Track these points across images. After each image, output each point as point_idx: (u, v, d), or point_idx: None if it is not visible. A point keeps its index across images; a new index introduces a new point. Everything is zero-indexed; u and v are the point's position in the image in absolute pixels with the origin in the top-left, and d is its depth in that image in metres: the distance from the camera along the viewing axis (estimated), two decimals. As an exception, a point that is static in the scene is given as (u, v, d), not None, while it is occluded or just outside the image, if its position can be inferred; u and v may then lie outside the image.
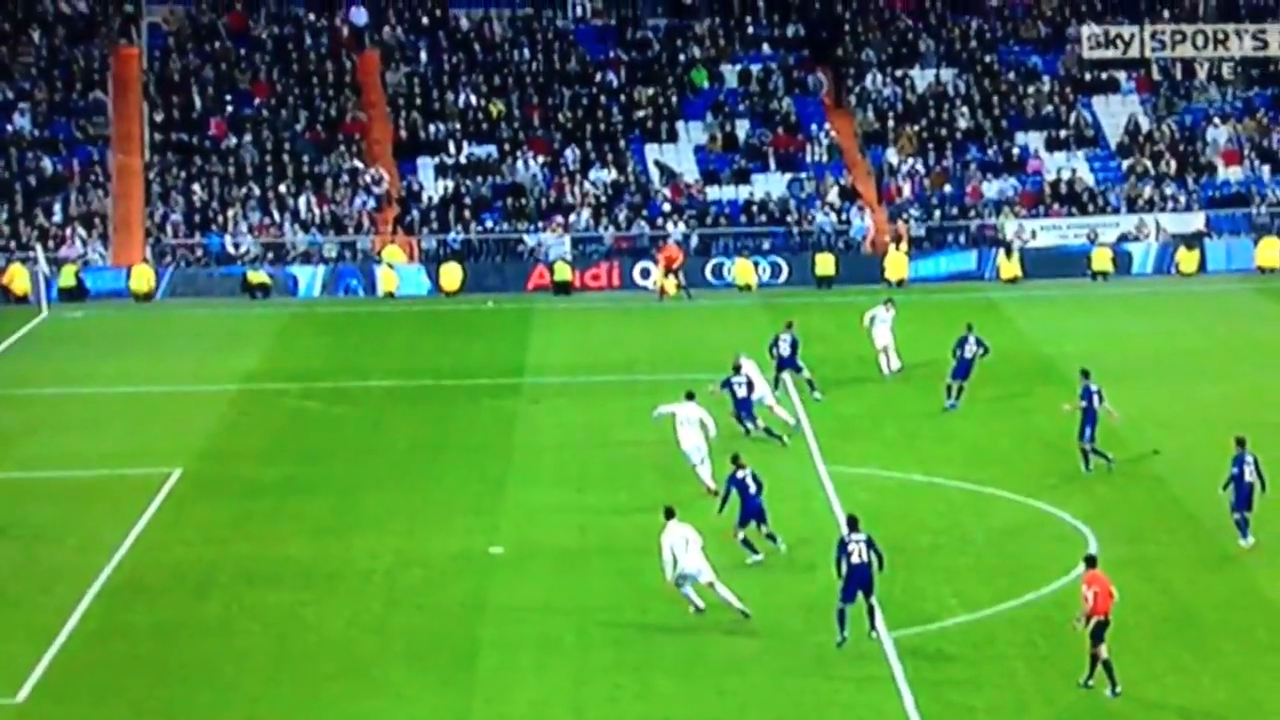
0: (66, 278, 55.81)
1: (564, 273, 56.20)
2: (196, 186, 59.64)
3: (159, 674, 24.57)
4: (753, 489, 28.59)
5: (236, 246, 58.15)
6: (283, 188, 59.79)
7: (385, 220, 59.41)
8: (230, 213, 58.88)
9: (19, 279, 55.54)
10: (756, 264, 56.73)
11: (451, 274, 56.28)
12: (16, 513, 32.39)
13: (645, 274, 56.69)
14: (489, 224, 58.91)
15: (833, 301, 53.11)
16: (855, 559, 25.02)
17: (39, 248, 55.54)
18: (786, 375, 39.60)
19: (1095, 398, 33.38)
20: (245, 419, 39.89)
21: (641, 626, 26.06)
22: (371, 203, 59.79)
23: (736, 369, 36.33)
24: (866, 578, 25.02)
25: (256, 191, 59.63)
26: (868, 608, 25.15)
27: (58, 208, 59.09)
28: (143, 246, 57.76)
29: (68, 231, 58.18)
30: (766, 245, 57.98)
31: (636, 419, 37.32)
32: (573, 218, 58.98)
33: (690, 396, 33.06)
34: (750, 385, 36.03)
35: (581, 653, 25.11)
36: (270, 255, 57.89)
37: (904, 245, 56.95)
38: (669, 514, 26.27)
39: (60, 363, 46.65)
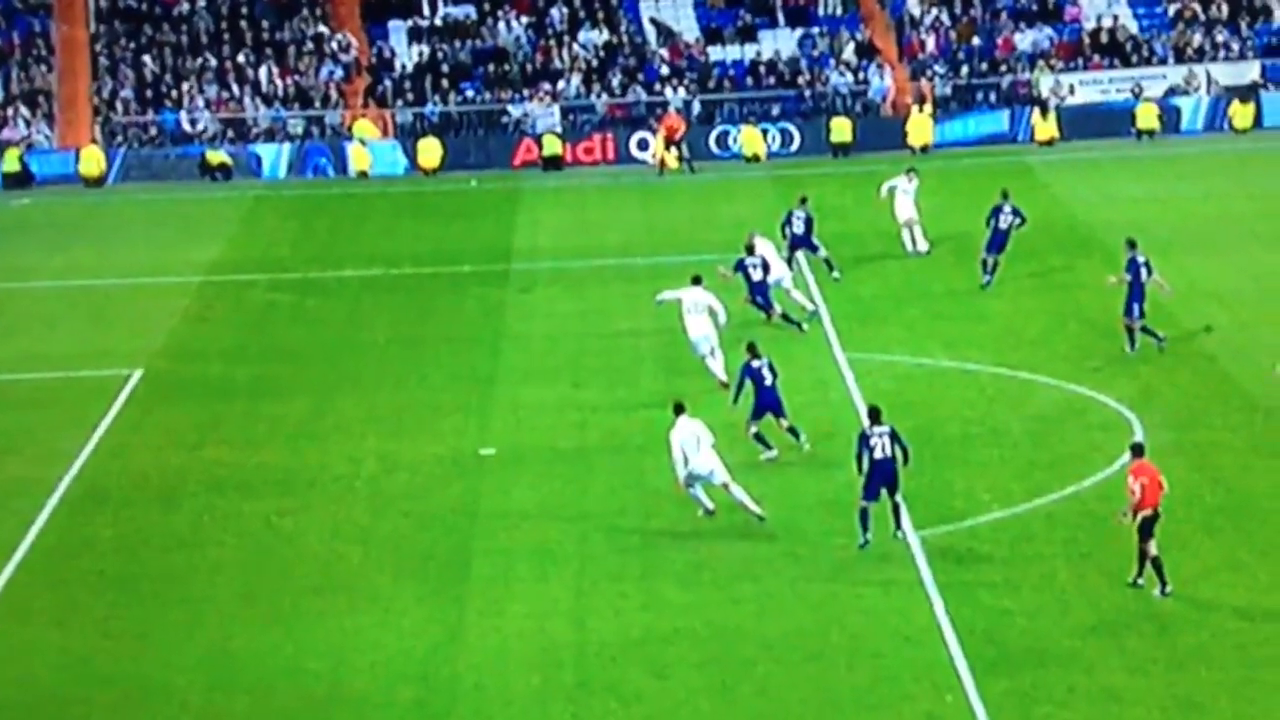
0: (9, 162, 55.79)
1: (553, 146, 56.05)
2: (147, 58, 59.33)
3: (126, 590, 24.87)
4: (768, 379, 28.73)
5: (193, 124, 57.96)
6: (241, 58, 59.48)
7: (355, 92, 59.17)
8: (185, 87, 58.63)
9: (-44, 165, 55.46)
10: (765, 132, 56.58)
11: (430, 150, 56.14)
12: (-36, 421, 32.58)
13: (643, 145, 56.55)
14: (469, 94, 58.66)
15: (850, 171, 53.01)
16: (878, 454, 25.17)
17: (-24, 129, 55.41)
18: (801, 255, 39.60)
19: (1143, 270, 33.35)
20: (210, 314, 40.02)
21: (646, 531, 26.31)
22: (339, 72, 59.50)
23: (750, 249, 36.25)
24: (890, 474, 25.22)
25: (213, 62, 59.33)
26: (892, 506, 25.37)
27: (-3, 85, 58.85)
28: (91, 126, 57.64)
29: (9, 112, 58.00)
30: (776, 111, 57.80)
31: (636, 307, 37.41)
32: (561, 85, 58.71)
33: (697, 280, 33.09)
34: (766, 266, 35.95)
35: (582, 561, 25.37)
36: (230, 133, 57.73)
37: (928, 106, 56.75)
38: (678, 409, 26.42)
39: (5, 255, 46.70)
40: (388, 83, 58.88)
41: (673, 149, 54.88)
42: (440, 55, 59.47)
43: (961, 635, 22.43)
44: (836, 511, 26.44)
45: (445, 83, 58.68)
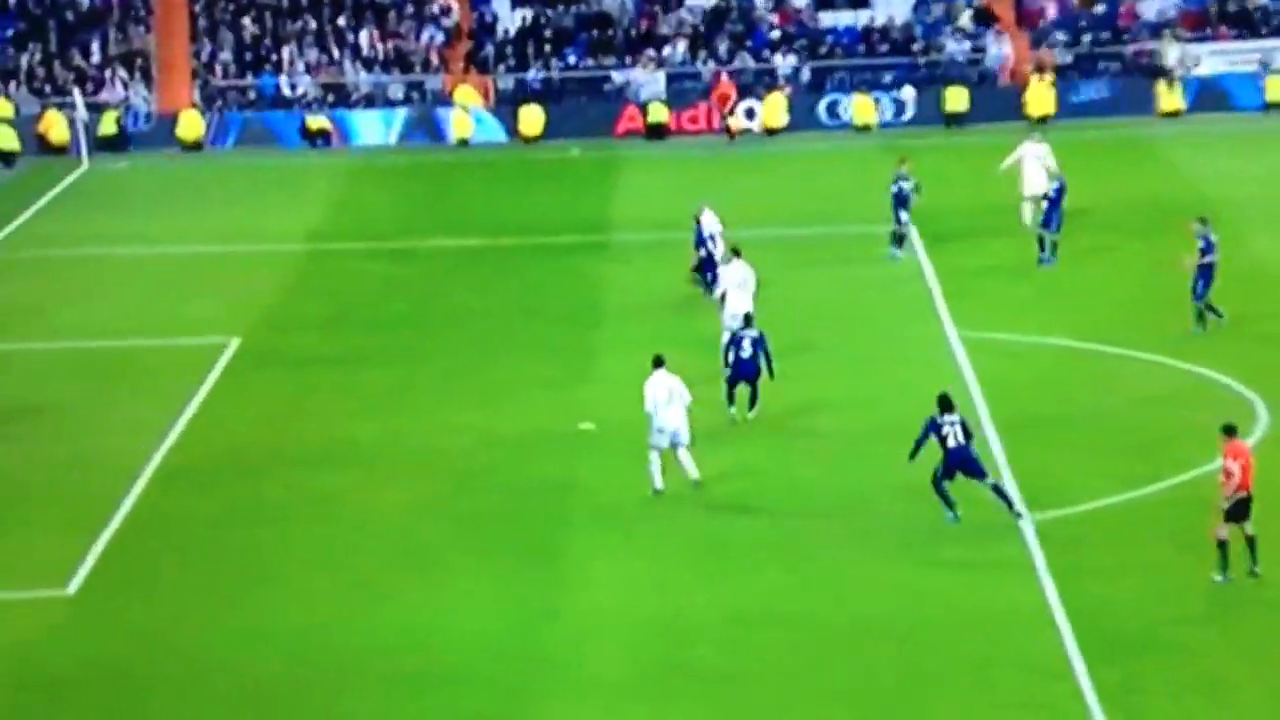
0: (106, 125, 56.43)
1: (658, 114, 56.00)
2: (247, 20, 59.85)
3: (210, 565, 25.20)
4: (748, 352, 29.23)
5: (293, 88, 58.44)
6: (342, 21, 59.86)
7: (456, 57, 59.37)
8: (285, 50, 59.10)
9: (56, 127, 56.23)
10: (877, 100, 56.22)
11: (531, 117, 56.26)
12: (56, 390, 33.09)
13: (750, 114, 56.41)
14: (572, 60, 58.72)
15: (964, 142, 52.60)
16: (951, 443, 25.21)
17: (76, 92, 56.09)
18: (911, 225, 39.55)
19: (1214, 249, 33.09)
20: (305, 283, 40.40)
21: (737, 509, 26.31)
22: (440, 37, 59.73)
23: (698, 220, 36.76)
24: (967, 461, 25.16)
25: (313, 25, 59.76)
26: (993, 488, 25.28)
27: (96, 47, 59.59)
28: (190, 89, 58.18)
29: (107, 73, 58.68)
30: (888, 78, 57.39)
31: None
32: (667, 51, 58.60)
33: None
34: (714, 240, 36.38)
35: (672, 539, 25.44)
36: (330, 98, 58.14)
37: (1048, 75, 56.13)
38: (657, 362, 26.83)
39: (101, 220, 47.36)
40: (489, 48, 59.06)
41: (728, 117, 54.88)
42: (543, 20, 59.57)
43: (1072, 621, 22.31)
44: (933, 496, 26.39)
45: (548, 48, 58.78)
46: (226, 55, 59.10)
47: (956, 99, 55.84)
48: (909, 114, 56.33)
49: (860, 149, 52.72)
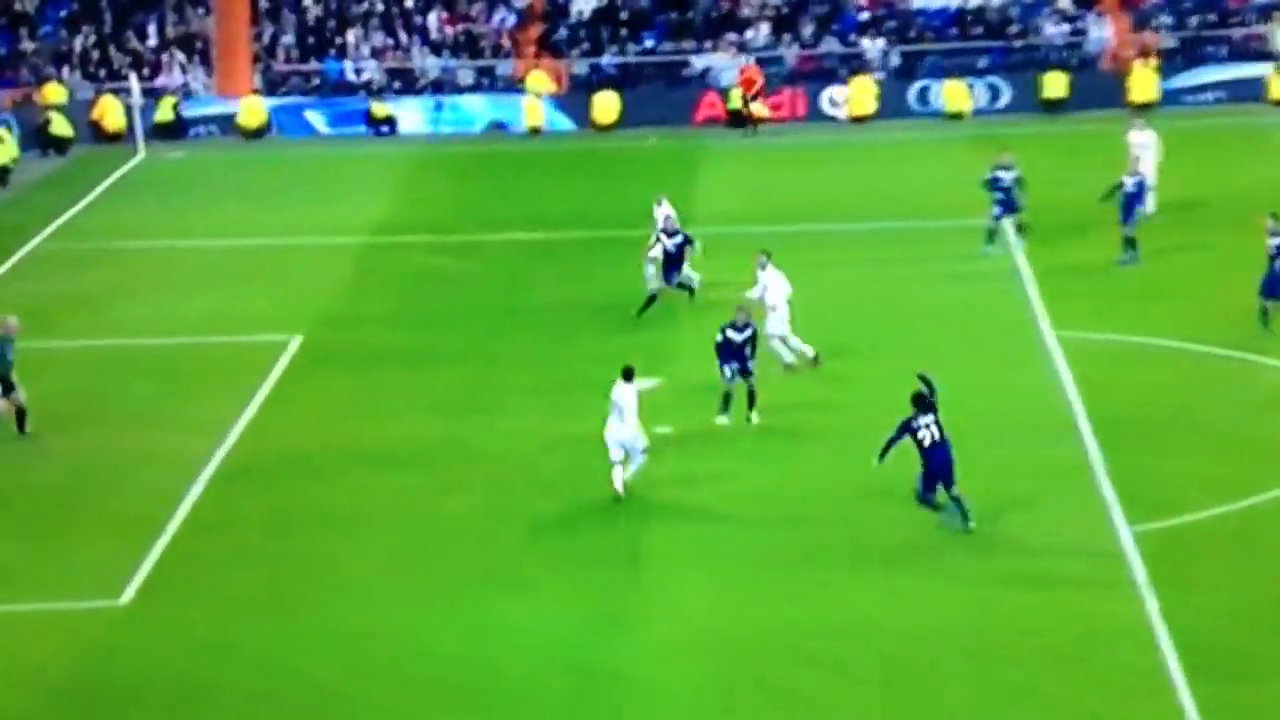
0: (163, 111, 56.96)
1: (739, 101, 55.99)
2: (310, 2, 60.24)
3: (271, 570, 25.38)
4: (737, 339, 29.63)
5: (358, 73, 58.80)
6: (409, 2, 60.17)
7: (528, 40, 59.56)
8: (350, 34, 59.46)
9: (110, 114, 56.81)
10: (971, 86, 56.01)
11: (606, 105, 56.38)
12: (110, 389, 33.41)
13: (834, 102, 56.31)
14: (649, 44, 58.76)
15: (1063, 131, 52.32)
16: (928, 441, 25.22)
17: (132, 77, 56.62)
18: (1012, 219, 39.44)
19: None
20: (370, 278, 40.64)
21: (814, 519, 26.26)
22: (512, 19, 59.95)
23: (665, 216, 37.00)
24: (947, 462, 25.14)
25: (379, 8, 60.09)
26: (953, 499, 25.29)
27: (152, 29, 60.16)
28: (250, 74, 58.61)
29: (164, 57, 59.22)
30: (983, 63, 57.15)
31: (820, 278, 37.34)
32: (749, 34, 58.57)
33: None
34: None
35: (746, 549, 25.45)
36: (396, 84, 58.45)
37: (1152, 60, 55.74)
38: (627, 375, 27.20)
39: (158, 212, 47.81)
40: (563, 31, 59.22)
41: (751, 103, 54.75)
42: (619, 1, 59.66)
43: (1174, 637, 22.17)
44: (1040, 507, 26.22)
45: (624, 31, 58.86)
46: (289, 38, 59.52)
47: (1055, 85, 55.56)
48: (1004, 101, 56.08)
49: (952, 138, 52.52)
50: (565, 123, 56.72)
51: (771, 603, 23.74)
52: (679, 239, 36.62)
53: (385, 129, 56.67)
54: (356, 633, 23.36)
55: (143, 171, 53.15)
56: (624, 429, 27.00)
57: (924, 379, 26.08)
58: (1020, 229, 39.92)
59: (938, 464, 25.36)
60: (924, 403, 25.60)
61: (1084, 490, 26.82)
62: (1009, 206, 39.43)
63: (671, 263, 36.39)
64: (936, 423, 25.44)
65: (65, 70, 59.19)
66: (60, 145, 55.42)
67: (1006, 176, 39.43)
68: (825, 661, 22.11)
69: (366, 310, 38.03)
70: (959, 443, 27.83)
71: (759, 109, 55.23)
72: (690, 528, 26.28)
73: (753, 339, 30.06)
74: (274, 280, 40.34)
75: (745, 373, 29.91)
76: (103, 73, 58.92)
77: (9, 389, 29.75)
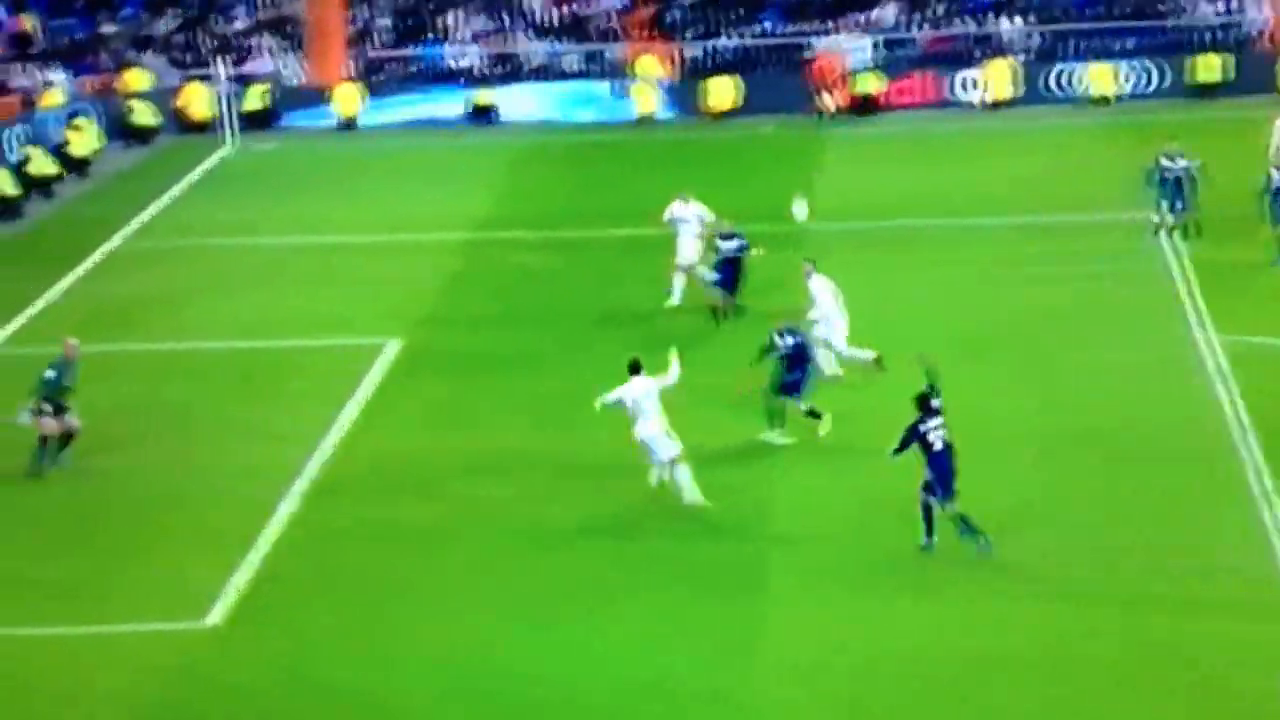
0: (251, 100, 57.45)
1: (865, 86, 55.78)
2: (407, -16, 60.58)
3: (364, 590, 25.45)
4: (788, 344, 29.50)
5: (458, 59, 59.05)
6: (512, -16, 60.41)
7: (638, 23, 59.60)
8: (449, 16, 59.73)
9: (196, 102, 57.38)
10: (1116, 69, 55.50)
11: (720, 90, 56.33)
12: (194, 395, 33.66)
13: (968, 85, 55.98)
14: (767, 25, 58.65)
15: (1216, 117, 51.73)
16: (938, 445, 25.06)
17: (220, 63, 57.15)
18: (1178, 213, 39.18)
19: None
20: (470, 276, 40.81)
21: (948, 533, 26.06)
22: (621, 1, 59.99)
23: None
24: (951, 470, 25.01)
25: (480, -11, 60.35)
26: (956, 516, 25.09)
27: (241, 12, 60.67)
28: (344, 60, 59.00)
29: (253, 42, 59.72)
30: (1130, 45, 56.60)
31: (950, 278, 37.09)
32: (876, 14, 58.33)
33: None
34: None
35: (869, 570, 25.33)
36: (499, 69, 58.63)
37: (1313, 43, 55.09)
38: (634, 369, 27.33)
39: (246, 206, 48.21)
40: (675, 13, 59.21)
41: (826, 94, 54.43)
42: (735, -19, 59.65)
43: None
44: (1178, 520, 26.00)
45: (740, 12, 58.77)
46: (385, 22, 59.85)
47: (1208, 68, 54.94)
48: (1152, 85, 55.54)
49: (1097, 125, 52.07)
50: (678, 109, 56.70)
51: (898, 629, 23.59)
52: (735, 244, 36.21)
53: (487, 118, 56.88)
54: (447, 653, 23.41)
55: (230, 163, 53.67)
56: (648, 425, 26.97)
57: (930, 376, 25.83)
58: (1186, 229, 39.34)
59: (945, 468, 25.16)
60: (930, 405, 25.43)
61: (1242, 506, 26.47)
62: (1177, 202, 38.96)
63: (731, 272, 35.90)
64: (945, 425, 25.29)
65: (148, 55, 59.82)
66: (143, 135, 56.04)
67: (1176, 167, 38.98)
68: (975, 692, 21.99)
69: (466, 311, 38.18)
70: (1104, 461, 27.63)
71: (832, 100, 54.70)
72: (804, 547, 26.15)
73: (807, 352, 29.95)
74: (369, 279, 40.55)
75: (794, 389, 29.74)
76: (188, 58, 59.50)
77: (60, 410, 29.90)
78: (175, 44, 60.11)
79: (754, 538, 26.62)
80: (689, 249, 37.18)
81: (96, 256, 43.51)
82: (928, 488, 25.40)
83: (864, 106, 55.45)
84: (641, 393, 27.42)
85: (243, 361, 35.52)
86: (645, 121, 56.21)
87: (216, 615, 24.87)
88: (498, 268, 41.50)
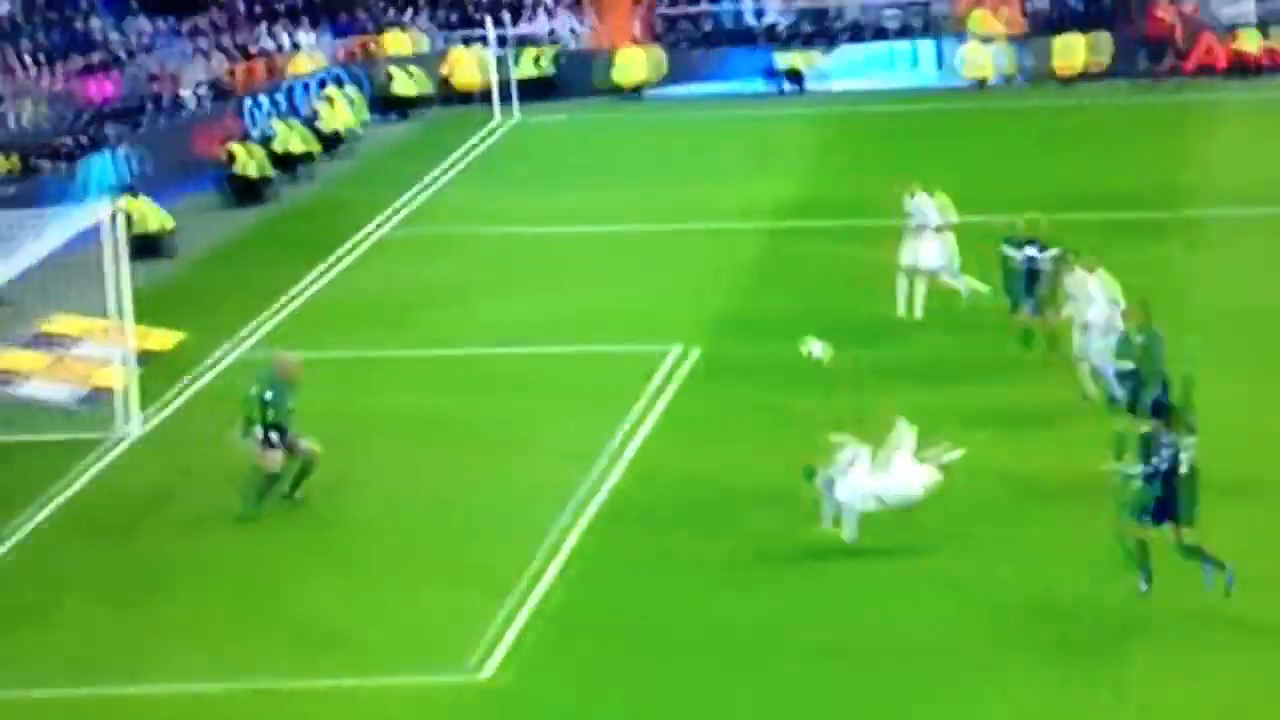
0: (526, 66, 57.98)
1: (1245, 44, 54.84)
2: (702, -67, 60.76)
3: (648, 640, 24.76)
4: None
5: (759, 16, 59.01)
6: (823, -70, 60.29)
7: (975, -29, 59.10)
8: (750, -33, 59.77)
9: (462, 68, 58.14)
10: None
11: (1069, 50, 55.64)
12: (462, 405, 33.81)
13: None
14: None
15: None
16: (1184, 469, 24.28)
17: (490, 23, 57.74)
18: None
19: None
20: (776, 271, 40.68)
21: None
22: (952, -54, 59.54)
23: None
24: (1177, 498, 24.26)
25: (787, -63, 60.31)
26: (1182, 544, 24.35)
27: (514, -33, 61.27)
28: (631, 20, 59.25)
29: (529, 0, 60.23)
30: None
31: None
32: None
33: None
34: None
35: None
36: (808, 28, 58.48)
37: None
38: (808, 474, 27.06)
39: (520, 189, 48.63)
40: (1019, -42, 58.61)
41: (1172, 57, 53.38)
42: (1088, -78, 58.86)
43: None
44: None
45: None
46: (676, -25, 60.08)
47: None
48: None
49: None
50: (1014, 72, 56.09)
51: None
52: (1030, 250, 35.10)
53: (792, 85, 56.76)
54: (738, 709, 23.07)
55: (502, 139, 54.21)
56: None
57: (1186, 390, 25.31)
58: None
59: (1172, 494, 24.43)
60: (1170, 415, 24.89)
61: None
62: None
63: (1029, 280, 35.00)
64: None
65: (409, 15, 60.63)
66: (403, 106, 56.83)
67: None
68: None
69: (769, 313, 37.88)
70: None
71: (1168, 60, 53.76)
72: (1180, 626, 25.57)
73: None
74: (659, 276, 40.61)
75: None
76: (454, 18, 60.19)
77: (284, 435, 29.14)
78: (441, 1, 60.86)
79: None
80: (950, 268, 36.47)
81: (351, 246, 44.16)
82: (1162, 514, 24.70)
83: (1241, 68, 54.35)
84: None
85: (515, 369, 35.71)
86: (981, 86, 55.68)
87: (493, 665, 24.88)
88: (804, 261, 41.22)
